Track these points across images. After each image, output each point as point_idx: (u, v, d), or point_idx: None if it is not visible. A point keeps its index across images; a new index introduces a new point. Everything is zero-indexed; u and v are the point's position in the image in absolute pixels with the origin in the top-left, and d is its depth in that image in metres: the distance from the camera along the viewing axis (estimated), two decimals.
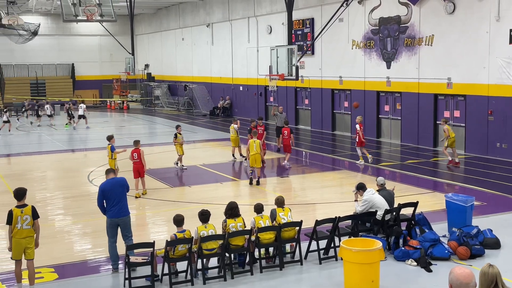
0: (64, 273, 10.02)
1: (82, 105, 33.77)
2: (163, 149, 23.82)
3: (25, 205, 9.24)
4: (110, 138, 16.92)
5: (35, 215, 9.20)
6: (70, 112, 34.20)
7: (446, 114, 22.78)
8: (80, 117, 32.53)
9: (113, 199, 9.79)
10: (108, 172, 10.35)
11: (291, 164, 19.97)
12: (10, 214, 9.09)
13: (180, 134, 19.22)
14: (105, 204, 9.86)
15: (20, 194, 9.33)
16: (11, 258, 9.22)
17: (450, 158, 19.33)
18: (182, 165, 19.39)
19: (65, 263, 10.52)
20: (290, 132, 20.00)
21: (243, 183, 17.42)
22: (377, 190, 11.66)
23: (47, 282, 9.53)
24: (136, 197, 15.39)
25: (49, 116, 35.06)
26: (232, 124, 21.35)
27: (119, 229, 9.91)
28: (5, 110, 31.55)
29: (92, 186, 17.46)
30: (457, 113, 22.35)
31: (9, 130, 30.87)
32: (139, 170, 15.78)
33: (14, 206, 9.22)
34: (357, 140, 19.82)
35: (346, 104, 28.23)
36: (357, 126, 19.61)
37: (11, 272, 9.88)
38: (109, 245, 9.89)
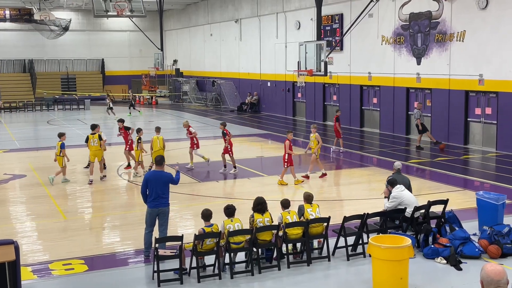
0: (94, 265, 10.15)
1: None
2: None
3: (95, 133, 16.94)
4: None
5: (100, 138, 16.89)
6: (132, 103, 37.14)
7: (478, 111, 22.44)
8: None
9: (153, 192, 10.07)
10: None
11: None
12: (87, 137, 17.13)
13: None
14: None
15: (93, 126, 17.13)
16: (89, 161, 17.62)
17: (324, 171, 17.42)
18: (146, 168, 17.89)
19: (94, 255, 10.65)
20: (337, 120, 21.63)
21: (271, 179, 17.41)
22: (392, 174, 11.97)
23: (78, 274, 9.66)
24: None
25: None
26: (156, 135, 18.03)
27: (157, 221, 10.19)
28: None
29: (122, 180, 17.66)
30: (488, 110, 21.99)
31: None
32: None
33: (89, 133, 17.09)
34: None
35: (375, 100, 28.00)
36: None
37: (42, 263, 10.15)
38: (145, 233, 10.21)
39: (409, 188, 11.68)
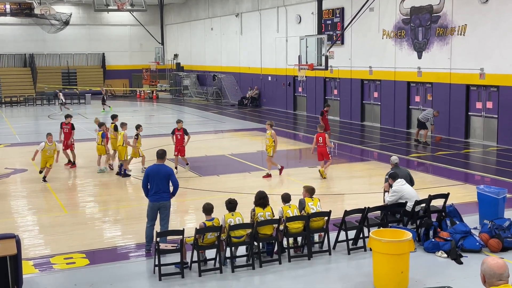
0: (95, 259, 10.17)
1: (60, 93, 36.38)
2: (192, 138, 23.88)
3: (112, 123, 17.79)
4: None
5: (116, 129, 17.53)
6: (104, 98, 36.31)
7: (478, 105, 22.42)
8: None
9: (154, 186, 10.10)
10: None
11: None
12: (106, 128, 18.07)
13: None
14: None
15: (112, 117, 18.32)
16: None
17: (280, 166, 16.74)
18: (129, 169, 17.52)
19: (96, 249, 10.67)
20: (321, 114, 22.38)
21: (272, 173, 17.40)
22: (391, 169, 11.95)
23: (79, 268, 9.68)
24: (324, 178, 16.35)
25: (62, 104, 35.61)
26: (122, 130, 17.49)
27: (158, 215, 10.24)
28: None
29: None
30: (489, 104, 21.97)
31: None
32: (323, 154, 16.51)
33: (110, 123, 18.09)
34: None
35: (375, 94, 27.97)
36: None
37: (43, 257, 10.15)
38: (146, 227, 10.24)
39: (410, 179, 11.71)
